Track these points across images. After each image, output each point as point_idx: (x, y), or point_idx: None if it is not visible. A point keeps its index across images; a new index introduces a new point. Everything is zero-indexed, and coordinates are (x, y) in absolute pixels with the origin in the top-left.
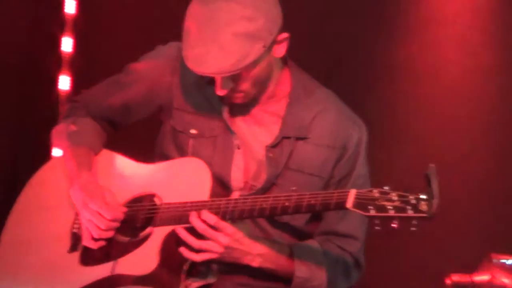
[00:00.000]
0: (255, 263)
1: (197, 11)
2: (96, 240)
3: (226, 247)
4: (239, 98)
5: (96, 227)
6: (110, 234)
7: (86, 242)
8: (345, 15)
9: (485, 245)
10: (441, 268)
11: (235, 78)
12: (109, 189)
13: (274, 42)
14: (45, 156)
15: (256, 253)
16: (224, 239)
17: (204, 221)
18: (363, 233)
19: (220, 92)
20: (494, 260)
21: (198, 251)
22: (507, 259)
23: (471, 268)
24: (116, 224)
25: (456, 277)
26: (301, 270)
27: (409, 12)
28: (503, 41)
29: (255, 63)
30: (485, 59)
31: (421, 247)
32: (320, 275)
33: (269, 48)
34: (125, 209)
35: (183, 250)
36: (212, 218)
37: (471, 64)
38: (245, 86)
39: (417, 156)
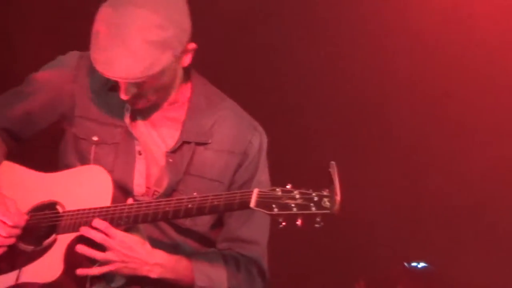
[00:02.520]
0: (154, 273)
1: (108, 15)
2: None
3: (122, 255)
4: (141, 103)
5: None
6: (11, 241)
7: None
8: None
9: (402, 250)
10: (353, 273)
11: (139, 84)
12: (11, 198)
13: (183, 51)
14: None
15: (154, 262)
16: (117, 246)
17: (98, 230)
18: (265, 238)
19: (124, 96)
20: (406, 264)
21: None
22: (418, 262)
23: (385, 273)
24: (18, 231)
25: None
26: (201, 279)
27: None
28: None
29: (163, 71)
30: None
31: (333, 250)
32: (221, 284)
33: (178, 57)
34: (27, 217)
35: (80, 271)
36: (102, 224)
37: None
38: (149, 92)
39: (318, 154)
